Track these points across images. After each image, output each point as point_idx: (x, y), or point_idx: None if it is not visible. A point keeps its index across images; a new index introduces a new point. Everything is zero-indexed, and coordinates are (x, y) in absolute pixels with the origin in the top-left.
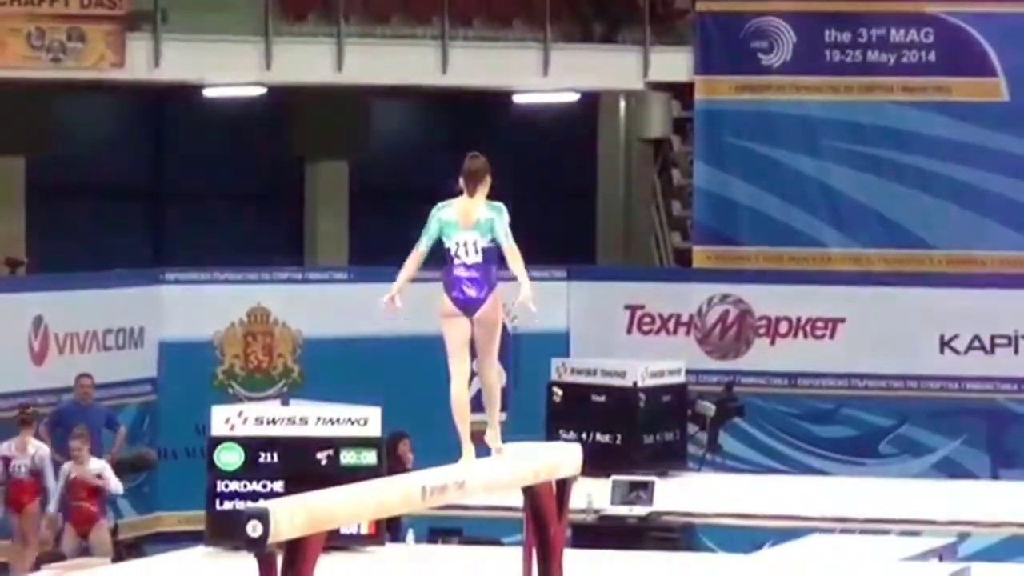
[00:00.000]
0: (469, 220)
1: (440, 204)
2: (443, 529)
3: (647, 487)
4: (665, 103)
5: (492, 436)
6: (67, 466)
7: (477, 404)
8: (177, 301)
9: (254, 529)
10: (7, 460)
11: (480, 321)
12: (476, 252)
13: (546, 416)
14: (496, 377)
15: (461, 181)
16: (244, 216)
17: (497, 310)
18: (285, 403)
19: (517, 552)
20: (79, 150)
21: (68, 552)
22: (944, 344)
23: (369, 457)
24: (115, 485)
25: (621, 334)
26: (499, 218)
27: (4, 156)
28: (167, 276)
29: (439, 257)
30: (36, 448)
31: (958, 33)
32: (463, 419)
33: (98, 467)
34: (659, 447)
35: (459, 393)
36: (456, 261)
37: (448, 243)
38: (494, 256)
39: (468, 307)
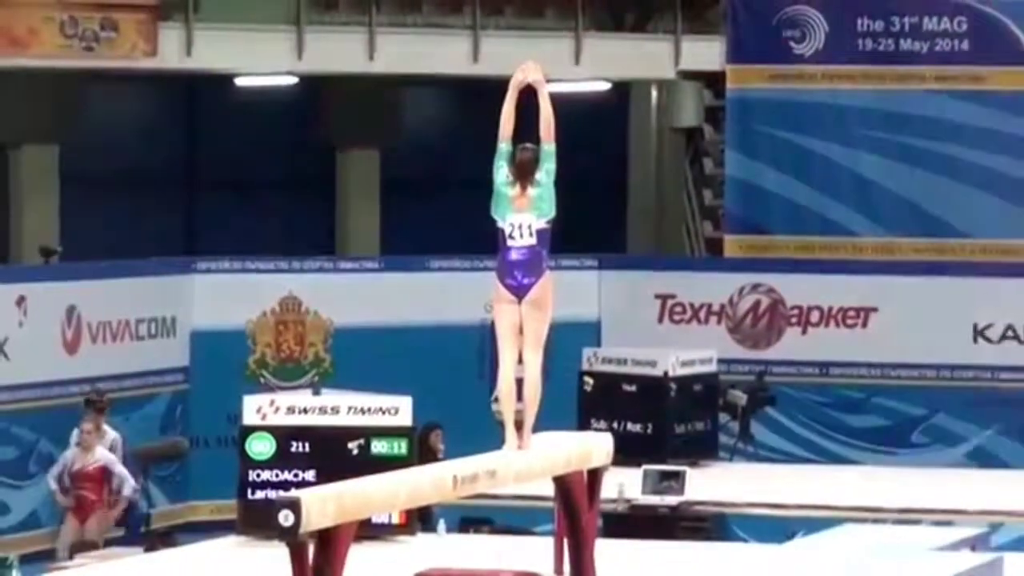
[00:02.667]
0: (523, 203)
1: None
2: (474, 519)
3: (678, 477)
4: (697, 92)
5: (524, 434)
6: (70, 453)
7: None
8: (209, 290)
9: (286, 518)
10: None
11: (530, 302)
12: (531, 235)
13: (577, 406)
14: (539, 374)
15: (514, 170)
16: (276, 206)
17: (548, 293)
18: (316, 392)
19: (548, 542)
20: (112, 139)
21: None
22: (977, 333)
23: (400, 447)
24: (127, 486)
25: (652, 323)
26: (544, 165)
27: (38, 145)
28: (199, 265)
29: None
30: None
31: (991, 21)
32: (509, 406)
33: (105, 459)
34: (690, 437)
35: (507, 379)
36: (510, 243)
37: (502, 224)
38: (547, 240)
39: (520, 291)
